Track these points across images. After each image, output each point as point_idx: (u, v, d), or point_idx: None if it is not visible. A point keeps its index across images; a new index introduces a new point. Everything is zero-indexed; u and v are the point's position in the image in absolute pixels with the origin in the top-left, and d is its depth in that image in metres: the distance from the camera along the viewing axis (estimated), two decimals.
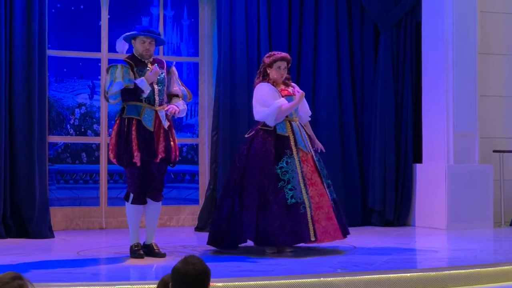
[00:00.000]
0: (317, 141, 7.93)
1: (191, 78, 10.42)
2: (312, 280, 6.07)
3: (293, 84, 7.94)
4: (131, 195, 7.28)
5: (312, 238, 7.38)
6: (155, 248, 7.41)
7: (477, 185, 9.99)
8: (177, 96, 7.56)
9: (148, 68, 7.31)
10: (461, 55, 10.02)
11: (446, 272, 6.52)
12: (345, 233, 7.69)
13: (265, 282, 6.01)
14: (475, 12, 10.13)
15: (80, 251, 7.73)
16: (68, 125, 9.86)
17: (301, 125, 7.79)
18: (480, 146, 10.16)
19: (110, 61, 9.92)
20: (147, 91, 7.15)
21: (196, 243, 8.71)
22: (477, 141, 10.12)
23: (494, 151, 10.38)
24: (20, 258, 7.21)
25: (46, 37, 9.16)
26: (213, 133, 9.98)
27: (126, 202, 7.37)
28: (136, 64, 7.32)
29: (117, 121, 7.30)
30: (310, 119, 8.02)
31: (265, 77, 7.73)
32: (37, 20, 8.98)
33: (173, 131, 7.46)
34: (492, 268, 6.75)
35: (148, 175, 7.27)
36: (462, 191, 9.90)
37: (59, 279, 5.97)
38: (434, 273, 6.48)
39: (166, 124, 7.26)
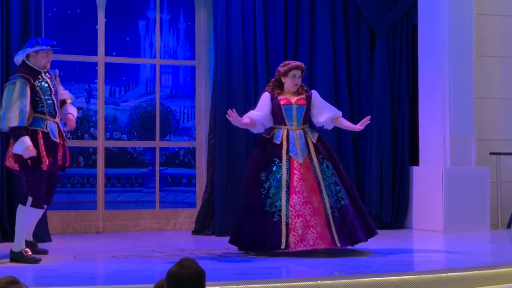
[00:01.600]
0: (356, 126, 8.18)
1: (187, 82, 10.43)
2: (309, 283, 6.08)
3: (312, 91, 8.08)
4: (30, 199, 7.28)
5: (282, 246, 7.43)
6: (36, 246, 7.69)
7: (474, 188, 9.99)
8: (65, 101, 7.80)
9: (42, 78, 7.45)
10: (457, 57, 10.03)
11: (444, 274, 6.53)
12: (345, 241, 7.62)
13: (263, 285, 6.01)
14: (471, 15, 10.13)
15: (77, 255, 7.73)
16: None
17: (306, 133, 7.86)
18: (476, 149, 10.16)
19: (107, 65, 9.96)
20: (20, 149, 7.18)
21: (194, 246, 8.71)
22: (474, 144, 10.12)
23: (491, 153, 10.39)
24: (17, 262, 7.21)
25: None
26: (210, 136, 9.97)
27: (22, 206, 7.34)
28: (34, 77, 7.40)
29: (25, 129, 7.31)
30: (340, 114, 8.12)
31: (277, 87, 7.93)
32: (34, 24, 8.97)
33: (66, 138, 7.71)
34: (489, 270, 6.75)
35: (48, 180, 7.44)
36: (459, 194, 9.91)
37: (56, 283, 5.96)
38: (431, 275, 6.49)
39: (66, 132, 7.62)
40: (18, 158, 7.21)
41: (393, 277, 6.36)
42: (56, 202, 9.69)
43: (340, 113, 8.14)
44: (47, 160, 7.23)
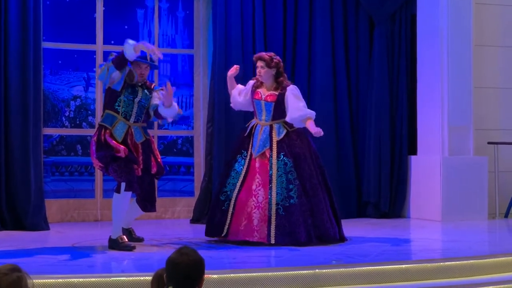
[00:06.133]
0: (313, 128, 7.81)
1: (186, 70, 10.42)
2: (307, 272, 6.09)
3: (288, 88, 7.87)
4: (123, 184, 7.31)
5: (223, 234, 7.64)
6: (133, 234, 7.79)
7: (471, 177, 10.01)
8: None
9: (138, 89, 7.52)
10: (456, 47, 10.03)
11: (441, 263, 6.54)
12: (282, 239, 7.51)
13: (260, 274, 6.03)
14: (470, 4, 10.13)
15: (76, 243, 7.74)
16: (63, 117, 9.86)
17: (272, 129, 7.86)
18: (474, 138, 10.17)
19: (105, 53, 9.94)
20: (129, 50, 7.26)
21: (192, 235, 8.72)
22: (472, 133, 10.13)
23: (489, 142, 10.40)
24: (16, 250, 7.22)
25: (41, 29, 9.14)
26: (208, 125, 9.98)
27: (116, 194, 7.38)
28: (131, 83, 7.51)
29: (98, 125, 7.54)
30: (300, 118, 7.82)
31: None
32: (32, 12, 8.96)
33: (154, 146, 7.73)
34: (487, 260, 6.77)
35: (140, 185, 7.49)
36: (457, 183, 9.92)
37: (54, 271, 5.97)
38: (429, 264, 6.50)
39: (140, 139, 7.48)
40: (97, 157, 7.29)
41: (391, 266, 6.38)
42: (54, 191, 9.75)
43: (299, 118, 7.80)
44: (121, 147, 7.23)
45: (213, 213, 7.86)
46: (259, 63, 7.89)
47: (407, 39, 10.60)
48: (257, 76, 7.95)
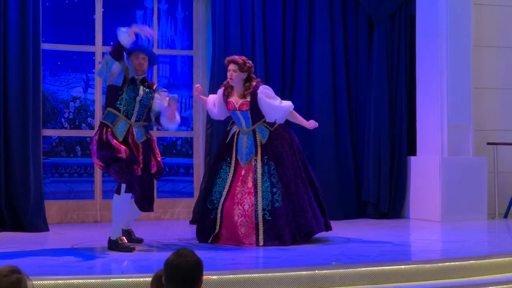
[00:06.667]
0: (306, 123, 8.04)
1: (185, 71, 10.43)
2: (306, 272, 6.09)
3: (258, 92, 7.82)
4: (123, 185, 7.29)
5: (209, 241, 7.71)
6: (132, 235, 7.79)
7: (471, 178, 10.01)
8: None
9: (139, 87, 7.50)
10: (455, 47, 10.03)
11: (440, 264, 6.54)
12: (271, 242, 7.56)
13: (260, 275, 6.03)
14: (469, 5, 10.13)
15: (75, 244, 7.74)
16: (62, 119, 9.86)
17: (255, 133, 7.86)
18: (474, 139, 10.18)
19: (105, 55, 9.95)
20: (123, 37, 7.31)
21: (191, 236, 8.70)
22: (471, 134, 10.14)
23: (488, 143, 10.40)
24: (15, 251, 7.22)
25: (40, 31, 9.14)
26: (208, 126, 9.98)
27: (117, 196, 7.35)
28: (131, 80, 7.51)
29: (100, 123, 7.53)
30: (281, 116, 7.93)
31: (229, 87, 7.98)
32: (31, 14, 8.96)
33: (154, 145, 7.72)
34: (486, 260, 6.77)
35: (140, 186, 7.50)
36: (456, 184, 9.92)
37: (54, 273, 5.97)
38: (428, 265, 6.50)
39: (141, 139, 7.48)
40: (98, 157, 7.29)
41: (390, 267, 6.38)
42: (54, 192, 9.75)
43: (281, 116, 7.90)
44: (122, 147, 7.22)
45: (202, 221, 7.92)
46: (231, 66, 7.84)
47: (407, 39, 10.60)
48: (228, 79, 7.91)
